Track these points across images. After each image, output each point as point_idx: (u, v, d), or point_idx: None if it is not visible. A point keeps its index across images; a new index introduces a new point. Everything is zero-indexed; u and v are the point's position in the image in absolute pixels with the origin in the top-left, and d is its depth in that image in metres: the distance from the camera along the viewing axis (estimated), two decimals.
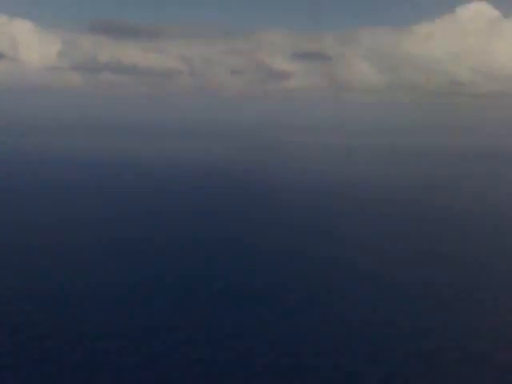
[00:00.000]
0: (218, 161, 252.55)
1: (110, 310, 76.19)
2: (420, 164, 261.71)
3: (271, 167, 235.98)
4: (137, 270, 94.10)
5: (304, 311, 78.30)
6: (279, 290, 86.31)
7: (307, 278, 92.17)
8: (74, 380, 58.43)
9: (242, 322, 74.05)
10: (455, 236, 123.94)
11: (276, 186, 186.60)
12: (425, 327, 73.40)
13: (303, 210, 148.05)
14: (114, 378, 58.99)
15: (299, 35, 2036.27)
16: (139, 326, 71.63)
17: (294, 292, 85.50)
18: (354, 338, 69.67)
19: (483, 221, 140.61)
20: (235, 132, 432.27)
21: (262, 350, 66.14)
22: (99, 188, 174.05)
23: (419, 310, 79.42)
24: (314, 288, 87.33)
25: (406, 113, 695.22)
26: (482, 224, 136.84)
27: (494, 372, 62.02)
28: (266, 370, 61.53)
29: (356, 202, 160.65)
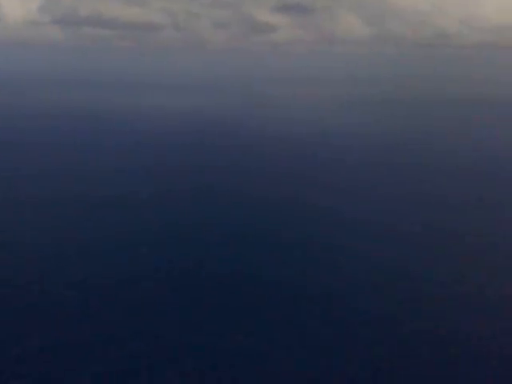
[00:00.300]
0: (205, 114, 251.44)
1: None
2: (407, 112, 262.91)
3: (259, 119, 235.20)
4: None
5: (290, 252, 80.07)
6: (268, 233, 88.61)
7: (294, 223, 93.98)
8: None
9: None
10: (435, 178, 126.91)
11: (264, 137, 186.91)
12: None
13: (289, 160, 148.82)
14: None
15: None
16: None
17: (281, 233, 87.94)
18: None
19: (458, 160, 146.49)
20: (221, 85, 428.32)
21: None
22: (86, 143, 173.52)
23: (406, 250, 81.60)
24: (301, 232, 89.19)
25: (392, 64, 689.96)
26: (458, 163, 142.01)
27: None
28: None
29: (339, 149, 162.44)
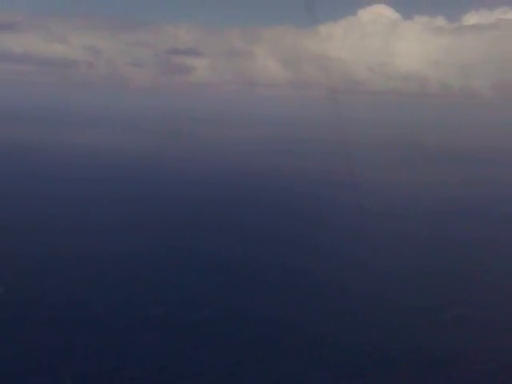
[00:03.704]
0: (120, 150, 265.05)
1: None
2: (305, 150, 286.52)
3: (172, 156, 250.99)
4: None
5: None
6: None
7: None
8: None
9: None
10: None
11: (173, 173, 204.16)
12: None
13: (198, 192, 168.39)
14: None
15: (204, 29, 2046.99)
16: None
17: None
18: None
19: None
20: (138, 123, 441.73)
21: None
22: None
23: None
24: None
25: (306, 107, 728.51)
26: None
27: None
28: None
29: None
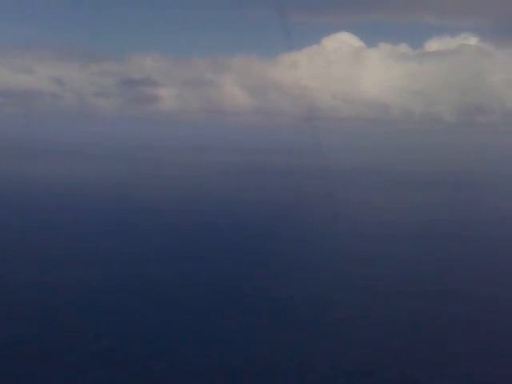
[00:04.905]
0: (88, 178, 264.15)
1: None
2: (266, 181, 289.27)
3: (140, 185, 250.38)
4: None
5: None
6: None
7: None
8: None
9: None
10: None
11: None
12: None
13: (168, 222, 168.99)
14: None
15: (171, 59, 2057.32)
16: None
17: None
18: None
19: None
20: (105, 152, 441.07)
21: None
22: None
23: None
24: None
25: (271, 135, 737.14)
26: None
27: None
28: None
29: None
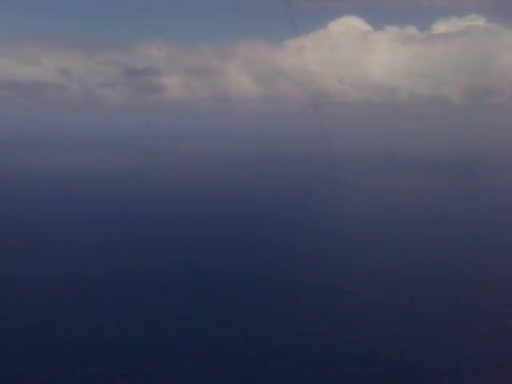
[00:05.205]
0: (96, 171, 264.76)
1: None
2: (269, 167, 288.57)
3: (147, 175, 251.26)
4: None
5: None
6: None
7: None
8: None
9: None
10: None
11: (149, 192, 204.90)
12: None
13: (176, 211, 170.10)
14: None
15: (175, 46, 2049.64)
16: None
17: None
18: None
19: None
20: (112, 142, 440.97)
21: None
22: None
23: None
24: None
25: (279, 122, 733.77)
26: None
27: None
28: None
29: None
